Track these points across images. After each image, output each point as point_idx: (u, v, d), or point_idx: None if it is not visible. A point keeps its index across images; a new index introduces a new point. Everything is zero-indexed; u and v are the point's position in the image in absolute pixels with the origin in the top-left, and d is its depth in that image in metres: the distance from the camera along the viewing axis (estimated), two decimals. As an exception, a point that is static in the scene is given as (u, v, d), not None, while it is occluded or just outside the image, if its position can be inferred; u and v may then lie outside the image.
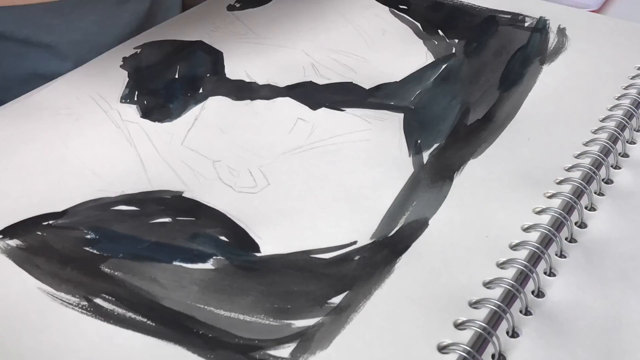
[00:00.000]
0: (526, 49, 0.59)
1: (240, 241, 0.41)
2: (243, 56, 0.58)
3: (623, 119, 0.50)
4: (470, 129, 0.50)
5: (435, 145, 0.49)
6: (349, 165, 0.47)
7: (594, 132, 0.50)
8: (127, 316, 0.37)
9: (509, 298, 0.38)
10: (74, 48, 0.64)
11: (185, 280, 0.39)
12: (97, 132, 0.50)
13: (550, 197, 0.44)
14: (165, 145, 0.49)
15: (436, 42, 0.60)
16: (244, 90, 0.54)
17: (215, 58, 0.58)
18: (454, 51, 0.59)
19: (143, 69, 0.56)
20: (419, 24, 0.63)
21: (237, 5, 0.66)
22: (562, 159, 0.48)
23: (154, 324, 0.37)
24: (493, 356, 0.36)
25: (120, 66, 0.57)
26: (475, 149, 0.48)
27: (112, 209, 0.43)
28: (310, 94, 0.54)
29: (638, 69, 0.57)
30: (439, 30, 0.62)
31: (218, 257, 0.40)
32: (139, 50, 0.58)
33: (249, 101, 0.53)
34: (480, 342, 0.36)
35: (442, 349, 0.36)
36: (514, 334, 0.37)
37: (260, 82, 0.55)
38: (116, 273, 0.39)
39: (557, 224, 0.42)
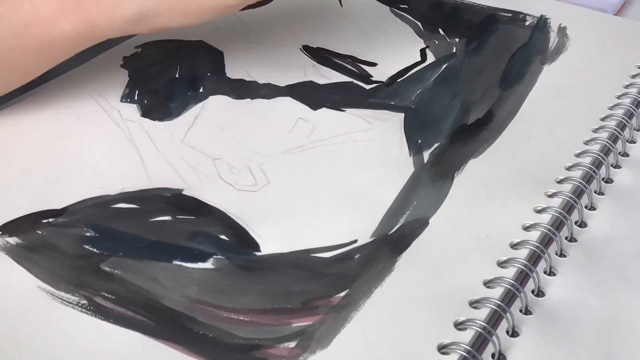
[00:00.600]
0: (527, 48, 0.59)
1: (241, 240, 0.41)
2: (243, 56, 0.58)
3: (623, 118, 0.50)
4: (471, 128, 0.50)
5: (436, 145, 0.49)
6: (349, 164, 0.47)
7: (595, 131, 0.50)
8: (127, 315, 0.37)
9: (509, 297, 0.38)
10: None
11: (186, 279, 0.39)
12: (97, 131, 0.50)
13: (550, 196, 0.44)
14: (166, 143, 0.49)
15: (437, 42, 0.60)
16: (245, 90, 0.54)
17: (216, 57, 0.58)
18: (454, 50, 0.59)
19: (143, 68, 0.56)
20: (419, 23, 0.63)
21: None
22: (563, 158, 0.47)
23: (154, 323, 0.37)
24: (493, 355, 0.36)
25: (121, 65, 0.57)
26: (476, 149, 0.48)
27: (112, 206, 0.43)
28: (311, 94, 0.54)
29: (639, 68, 0.57)
30: (440, 29, 0.62)
31: (218, 257, 0.40)
32: (139, 50, 0.58)
33: (249, 100, 0.53)
34: (480, 342, 0.36)
35: (442, 348, 0.36)
36: (514, 333, 0.37)
37: (261, 81, 0.55)
38: (116, 272, 0.39)
39: (558, 223, 0.42)
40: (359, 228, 0.42)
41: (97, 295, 0.38)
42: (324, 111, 0.52)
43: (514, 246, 0.41)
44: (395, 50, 0.59)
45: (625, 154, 0.49)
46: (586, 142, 0.49)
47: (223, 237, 0.42)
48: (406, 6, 0.65)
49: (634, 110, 0.51)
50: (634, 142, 0.50)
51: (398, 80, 0.56)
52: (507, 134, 0.50)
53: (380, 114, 0.52)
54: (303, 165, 0.47)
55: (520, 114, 0.52)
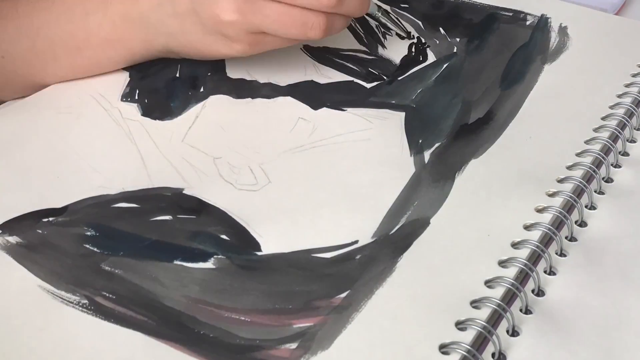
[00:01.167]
0: (528, 48, 0.59)
1: (241, 240, 0.41)
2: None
3: (623, 117, 0.50)
4: (472, 127, 0.50)
5: (437, 145, 0.49)
6: (350, 164, 0.47)
7: (595, 131, 0.50)
8: (128, 315, 0.37)
9: (509, 297, 0.38)
10: None
11: (186, 279, 0.39)
12: (97, 130, 0.50)
13: (551, 195, 0.44)
14: (166, 142, 0.49)
15: (437, 41, 0.60)
16: (245, 89, 0.54)
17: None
18: (455, 50, 0.59)
19: (144, 67, 0.56)
20: (420, 22, 0.63)
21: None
22: (564, 157, 0.47)
23: (154, 323, 0.37)
24: (493, 355, 0.36)
25: (121, 64, 0.57)
26: (477, 148, 0.48)
27: (113, 206, 0.43)
28: (311, 94, 0.54)
29: (639, 67, 0.57)
30: (441, 28, 0.62)
31: (219, 256, 0.40)
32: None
33: (250, 100, 0.53)
34: (480, 341, 0.36)
35: (443, 348, 0.36)
36: (514, 332, 0.37)
37: (261, 80, 0.55)
38: (117, 271, 0.39)
39: (558, 223, 0.42)
40: (359, 228, 0.42)
41: (97, 294, 0.38)
42: (324, 111, 0.52)
43: (514, 245, 0.41)
44: (396, 49, 0.59)
45: (626, 154, 0.49)
46: (587, 142, 0.49)
47: (224, 236, 0.42)
48: (407, 5, 0.65)
49: (634, 109, 0.51)
50: (634, 142, 0.50)
51: (399, 79, 0.56)
52: (508, 134, 0.50)
53: (381, 113, 0.52)
54: (304, 164, 0.47)
55: (521, 114, 0.52)
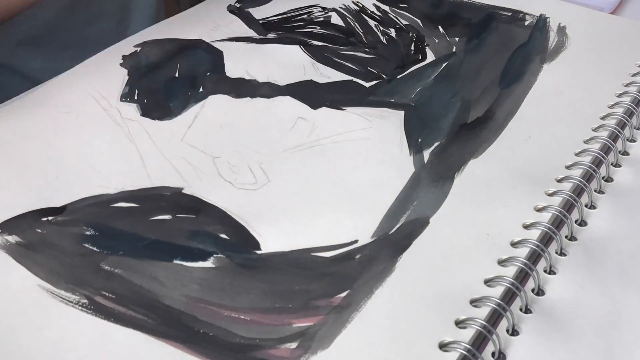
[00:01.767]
0: (527, 47, 0.59)
1: (241, 238, 0.41)
2: (243, 54, 0.58)
3: (623, 117, 0.50)
4: (471, 126, 0.50)
5: (436, 144, 0.49)
6: (349, 163, 0.47)
7: (595, 130, 0.50)
8: (128, 314, 0.37)
9: (509, 296, 0.38)
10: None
11: (186, 278, 0.39)
12: (96, 129, 0.50)
13: (550, 195, 0.44)
14: (165, 141, 0.49)
15: (436, 40, 0.60)
16: (244, 88, 0.54)
17: (216, 56, 0.58)
18: (454, 49, 0.59)
19: (143, 67, 0.56)
20: (419, 21, 0.63)
21: (238, 5, 0.66)
22: (563, 156, 0.48)
23: (154, 323, 0.37)
24: (493, 354, 0.36)
25: (120, 64, 0.57)
26: (476, 148, 0.48)
27: (112, 206, 0.43)
28: (311, 93, 0.54)
29: (639, 66, 0.57)
30: (440, 27, 0.62)
31: (218, 255, 0.40)
32: (139, 49, 0.58)
33: (249, 99, 0.53)
34: (480, 340, 0.36)
35: (443, 346, 0.36)
36: (514, 332, 0.37)
37: (261, 80, 0.55)
38: (116, 270, 0.39)
39: (558, 222, 0.42)
40: (359, 227, 0.42)
41: (97, 294, 0.38)
42: (323, 110, 0.52)
43: (514, 245, 0.41)
44: (395, 48, 0.59)
45: (626, 153, 0.49)
46: (586, 141, 0.49)
47: (223, 235, 0.42)
48: (406, 5, 0.65)
49: (634, 108, 0.51)
50: (634, 141, 0.50)
51: (398, 77, 0.56)
52: (507, 133, 0.50)
53: (380, 112, 0.52)
54: (303, 164, 0.47)
55: (520, 113, 0.52)
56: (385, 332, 0.36)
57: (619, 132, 0.49)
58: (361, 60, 0.58)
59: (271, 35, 0.61)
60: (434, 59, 0.58)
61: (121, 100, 0.52)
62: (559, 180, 0.45)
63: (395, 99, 0.53)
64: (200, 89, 0.54)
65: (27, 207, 0.43)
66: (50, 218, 0.42)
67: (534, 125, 0.51)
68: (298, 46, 0.59)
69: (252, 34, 0.61)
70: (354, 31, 0.62)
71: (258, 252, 0.41)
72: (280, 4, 0.65)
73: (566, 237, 0.42)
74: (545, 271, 0.40)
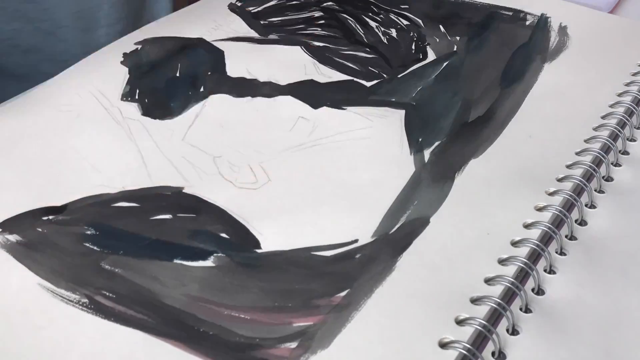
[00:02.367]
0: (528, 47, 0.59)
1: (241, 237, 0.42)
2: (244, 54, 0.58)
3: (623, 116, 0.50)
4: (472, 126, 0.50)
5: (437, 143, 0.49)
6: (350, 163, 0.47)
7: (595, 129, 0.50)
8: (128, 313, 0.37)
9: (509, 295, 0.38)
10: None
11: (186, 278, 0.39)
12: (97, 129, 0.50)
13: (551, 194, 0.44)
14: (166, 141, 0.49)
15: (437, 39, 0.60)
16: (245, 87, 0.54)
17: (216, 56, 0.58)
18: (455, 49, 0.59)
19: (144, 66, 0.56)
20: (420, 21, 0.63)
21: (239, 3, 0.66)
22: (564, 156, 0.48)
23: (154, 322, 0.37)
24: (493, 354, 0.36)
25: (121, 62, 0.57)
26: (477, 148, 0.48)
27: (113, 205, 0.43)
28: (311, 93, 0.54)
29: (639, 66, 0.57)
30: (441, 27, 0.62)
31: (219, 254, 0.40)
32: (139, 47, 0.58)
33: (249, 98, 0.53)
34: (480, 340, 0.36)
35: (443, 345, 0.36)
36: (514, 331, 0.37)
37: (261, 79, 0.55)
38: (117, 270, 0.39)
39: (558, 222, 0.42)
40: (359, 226, 0.42)
41: (97, 293, 0.38)
42: (324, 110, 0.52)
43: (514, 244, 0.41)
44: (396, 47, 0.59)
45: (626, 152, 0.49)
46: (587, 140, 0.49)
47: (224, 235, 0.42)
48: (407, 6, 0.65)
49: (634, 108, 0.51)
50: (634, 140, 0.50)
51: (399, 77, 0.56)
52: (508, 133, 0.50)
53: (381, 111, 0.52)
54: (304, 163, 0.47)
55: (520, 112, 0.52)
56: (385, 331, 0.36)
57: (619, 131, 0.49)
58: (362, 60, 0.58)
59: (272, 36, 0.61)
60: (435, 58, 0.58)
61: (122, 99, 0.52)
62: (560, 180, 0.45)
63: (396, 98, 0.53)
64: (201, 89, 0.54)
65: (28, 206, 0.43)
66: (50, 217, 0.42)
67: (535, 125, 0.51)
68: (299, 47, 0.59)
69: (253, 34, 0.61)
70: (355, 31, 0.62)
71: (258, 251, 0.41)
72: (281, 2, 0.65)
73: (566, 236, 0.42)
74: (545, 271, 0.40)
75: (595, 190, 0.45)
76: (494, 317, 0.37)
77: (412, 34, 0.61)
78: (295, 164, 0.47)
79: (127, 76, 0.55)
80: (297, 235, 0.42)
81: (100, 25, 0.63)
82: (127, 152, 0.48)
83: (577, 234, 0.43)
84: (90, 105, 0.52)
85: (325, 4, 0.65)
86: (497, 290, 0.38)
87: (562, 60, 0.58)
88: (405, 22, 0.63)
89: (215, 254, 0.40)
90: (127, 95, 0.53)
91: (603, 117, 0.51)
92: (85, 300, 0.38)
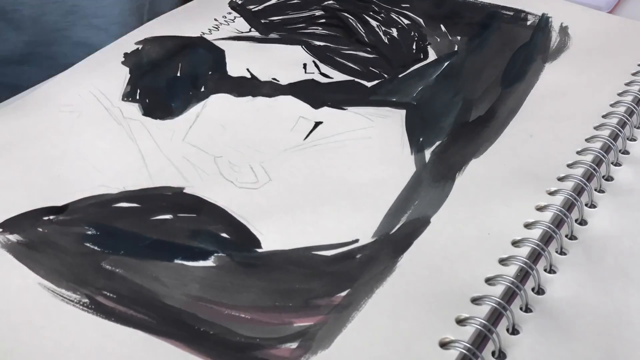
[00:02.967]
0: (529, 47, 0.59)
1: (242, 237, 0.42)
2: (244, 53, 0.58)
3: (624, 115, 0.50)
4: (472, 125, 0.50)
5: (438, 143, 0.49)
6: (350, 162, 0.47)
7: (596, 129, 0.50)
8: (129, 313, 0.37)
9: (509, 295, 0.38)
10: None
11: (187, 278, 0.39)
12: (98, 129, 0.50)
13: (551, 193, 0.44)
14: (167, 141, 0.49)
15: (438, 39, 0.60)
16: (246, 87, 0.54)
17: (217, 55, 0.58)
18: (456, 48, 0.59)
19: (144, 66, 0.56)
20: (421, 20, 0.63)
21: (239, 1, 0.66)
22: (564, 155, 0.48)
23: (154, 321, 0.37)
24: (493, 353, 0.36)
25: (122, 62, 0.57)
26: (477, 148, 0.48)
27: (113, 205, 0.43)
28: (312, 92, 0.54)
29: (639, 66, 0.57)
30: (442, 26, 0.62)
31: (219, 254, 0.40)
32: (140, 47, 0.58)
33: (250, 98, 0.53)
34: (480, 339, 0.36)
35: (444, 345, 0.36)
36: (514, 331, 0.37)
37: (262, 79, 0.55)
38: (117, 270, 0.39)
39: (558, 221, 0.42)
40: (360, 226, 0.42)
41: (98, 293, 0.38)
42: (325, 109, 0.52)
43: (515, 244, 0.41)
44: (397, 47, 0.59)
45: (626, 152, 0.49)
46: (587, 140, 0.49)
47: (224, 234, 0.42)
48: (408, 5, 0.65)
49: (634, 107, 0.51)
50: (635, 140, 0.50)
51: (400, 76, 0.56)
52: (509, 132, 0.50)
53: (382, 111, 0.52)
54: (304, 163, 0.47)
55: (521, 112, 0.52)
56: (385, 331, 0.36)
57: (620, 131, 0.49)
58: (363, 60, 0.58)
59: (273, 35, 0.61)
60: (436, 58, 0.58)
61: (123, 99, 0.53)
62: (560, 179, 0.45)
63: (397, 98, 0.53)
64: (202, 88, 0.54)
65: (29, 206, 0.43)
66: (51, 217, 0.42)
67: (536, 125, 0.51)
68: (300, 46, 0.59)
69: (254, 33, 0.61)
70: (355, 31, 0.62)
71: (259, 250, 0.41)
72: (281, 1, 0.66)
73: (566, 236, 0.42)
74: (545, 270, 0.40)
75: (595, 190, 0.45)
76: (494, 316, 0.37)
77: (413, 34, 0.61)
78: (296, 164, 0.47)
79: (128, 76, 0.55)
80: (297, 234, 0.42)
81: (144, 22, 0.64)
82: (128, 153, 0.48)
83: (578, 233, 0.43)
84: (91, 105, 0.52)
85: (326, 3, 0.66)
86: (497, 290, 0.38)
87: (563, 60, 0.58)
88: (406, 22, 0.63)
89: (215, 254, 0.40)
90: (128, 96, 0.53)
91: (604, 117, 0.51)
92: (86, 300, 0.38)
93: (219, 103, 0.53)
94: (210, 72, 0.56)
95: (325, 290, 0.38)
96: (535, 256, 0.40)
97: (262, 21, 0.63)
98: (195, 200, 0.44)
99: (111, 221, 0.42)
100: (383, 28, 0.62)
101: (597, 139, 0.49)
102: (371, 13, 0.64)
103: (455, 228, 0.42)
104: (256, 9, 0.65)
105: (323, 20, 0.63)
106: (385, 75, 0.56)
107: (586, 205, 0.44)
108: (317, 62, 0.57)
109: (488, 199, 0.44)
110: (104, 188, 0.45)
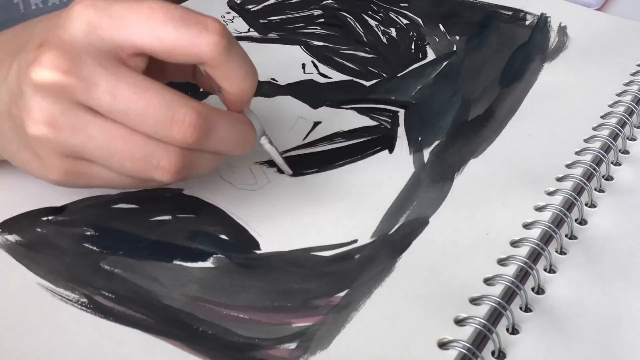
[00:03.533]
0: (527, 47, 0.59)
1: (241, 239, 0.41)
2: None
3: (623, 115, 0.50)
4: (471, 125, 0.50)
5: (436, 142, 0.49)
6: (349, 162, 0.47)
7: (595, 129, 0.50)
8: (127, 313, 0.37)
9: (509, 295, 0.38)
10: None
11: (186, 278, 0.39)
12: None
13: (550, 194, 0.44)
14: (166, 142, 0.48)
15: (437, 39, 0.60)
16: (245, 87, 0.54)
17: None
18: (455, 48, 0.59)
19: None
20: (420, 20, 0.63)
21: (238, 1, 0.66)
22: (563, 155, 0.47)
23: (153, 321, 0.37)
24: (493, 353, 0.36)
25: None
26: (476, 148, 0.48)
27: (112, 207, 0.43)
28: (311, 93, 0.54)
29: (638, 66, 0.57)
30: (440, 26, 0.62)
31: (218, 256, 0.40)
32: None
33: (249, 98, 0.53)
34: (480, 339, 0.36)
35: (443, 345, 0.36)
36: (514, 330, 0.37)
37: (261, 79, 0.55)
38: (116, 270, 0.39)
39: (558, 221, 0.42)
40: (359, 227, 0.42)
41: (97, 293, 0.38)
42: (324, 109, 0.52)
43: (514, 244, 0.41)
44: (396, 47, 0.59)
45: (626, 152, 0.49)
46: (586, 140, 0.49)
47: (223, 236, 0.42)
48: (407, 5, 0.65)
49: (634, 107, 0.51)
50: (634, 140, 0.50)
51: (398, 76, 0.56)
52: (507, 132, 0.50)
53: (380, 111, 0.52)
54: (303, 163, 0.47)
55: (520, 112, 0.52)
56: (384, 332, 0.36)
57: (619, 130, 0.49)
58: (361, 60, 0.58)
59: (272, 35, 0.61)
60: (435, 57, 0.58)
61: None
62: (559, 179, 0.45)
63: (396, 97, 0.53)
64: (200, 89, 0.54)
65: (28, 207, 0.43)
66: (50, 218, 0.42)
67: (534, 124, 0.51)
68: (298, 46, 0.59)
69: (252, 33, 0.61)
70: (354, 30, 0.62)
71: (257, 251, 0.41)
72: (281, 1, 0.65)
73: (566, 236, 0.42)
74: (545, 270, 0.40)
75: (595, 190, 0.45)
76: (494, 316, 0.37)
77: (411, 34, 0.61)
78: (295, 164, 0.47)
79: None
80: (296, 235, 0.42)
81: None
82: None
83: (577, 233, 0.43)
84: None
85: (324, 3, 0.65)
86: (497, 289, 0.38)
87: (561, 60, 0.58)
88: (405, 21, 0.63)
89: (214, 255, 0.40)
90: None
91: (602, 117, 0.51)
92: (85, 300, 0.38)
93: (217, 103, 0.52)
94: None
95: (323, 290, 0.38)
96: (535, 256, 0.40)
97: (261, 21, 0.63)
98: (194, 202, 0.44)
99: (110, 222, 0.42)
100: (382, 28, 0.62)
101: (596, 138, 0.49)
102: (370, 13, 0.64)
103: (453, 228, 0.42)
104: (255, 8, 0.65)
105: (322, 20, 0.63)
106: (384, 75, 0.56)
107: (586, 205, 0.44)
108: (316, 62, 0.57)
109: (486, 200, 0.44)
110: (103, 189, 0.44)
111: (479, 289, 0.38)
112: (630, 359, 0.36)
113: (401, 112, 0.52)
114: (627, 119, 0.50)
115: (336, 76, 0.56)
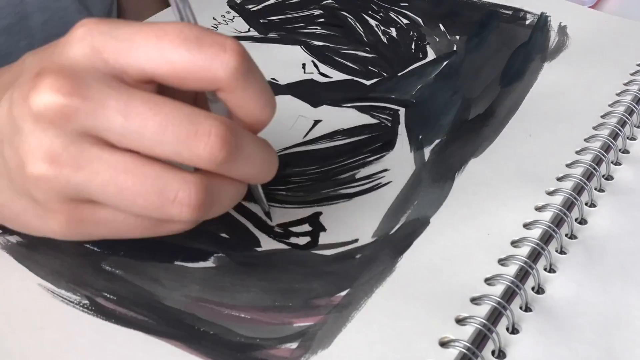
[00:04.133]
0: (527, 46, 0.59)
1: (241, 237, 0.42)
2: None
3: (623, 115, 0.50)
4: (472, 124, 0.50)
5: (437, 141, 0.49)
6: (350, 161, 0.47)
7: (595, 128, 0.50)
8: (129, 314, 0.37)
9: (509, 294, 0.38)
10: None
11: (186, 279, 0.39)
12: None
13: (551, 193, 0.44)
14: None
15: (437, 39, 0.60)
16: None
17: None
18: (455, 48, 0.59)
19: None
20: (420, 19, 0.63)
21: (238, 1, 0.66)
22: (563, 155, 0.48)
23: (154, 322, 0.37)
24: (493, 352, 0.36)
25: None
26: (477, 147, 0.48)
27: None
28: (311, 92, 0.54)
29: (638, 66, 0.57)
30: (440, 26, 0.62)
31: (219, 255, 0.40)
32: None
33: (249, 98, 0.53)
34: (480, 339, 0.36)
35: (443, 344, 0.36)
36: (514, 330, 0.37)
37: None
38: (117, 271, 0.39)
39: (558, 221, 0.42)
40: (359, 226, 0.42)
41: (98, 294, 0.38)
42: (324, 108, 0.52)
43: (514, 244, 0.41)
44: (396, 47, 0.59)
45: (626, 151, 0.49)
46: (586, 139, 0.49)
47: (224, 235, 0.42)
48: (407, 4, 0.65)
49: (634, 107, 0.51)
50: (635, 139, 0.50)
51: (399, 75, 0.56)
52: (508, 132, 0.50)
53: (380, 110, 0.52)
54: (303, 162, 0.47)
55: (520, 112, 0.52)
56: (385, 331, 0.36)
57: (619, 130, 0.49)
58: (362, 59, 0.58)
59: (272, 35, 0.61)
60: (435, 57, 0.58)
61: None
62: (559, 179, 0.46)
63: (396, 96, 0.53)
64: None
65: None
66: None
67: (535, 124, 0.51)
68: (298, 46, 0.59)
69: (252, 33, 0.61)
70: (354, 30, 0.62)
71: (258, 250, 0.41)
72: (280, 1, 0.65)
73: (566, 235, 0.42)
74: (545, 270, 0.40)
75: (595, 189, 0.45)
76: (494, 316, 0.37)
77: (412, 33, 0.61)
78: (295, 163, 0.47)
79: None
80: (297, 234, 0.42)
81: None
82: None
83: (578, 233, 0.43)
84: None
85: (324, 2, 0.65)
86: (497, 289, 0.38)
87: (561, 59, 0.58)
88: (405, 21, 0.63)
89: (215, 254, 0.40)
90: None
91: (603, 116, 0.51)
92: (86, 301, 0.38)
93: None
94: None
95: (325, 290, 0.38)
96: (535, 255, 0.40)
97: (261, 21, 0.63)
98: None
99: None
100: (382, 27, 0.62)
101: (596, 138, 0.49)
102: (370, 12, 0.64)
103: (454, 228, 0.42)
104: (255, 8, 0.65)
105: (322, 20, 0.63)
106: (385, 74, 0.56)
107: (586, 204, 0.44)
108: (316, 61, 0.57)
109: (487, 199, 0.44)
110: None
111: (479, 289, 0.38)
112: (630, 359, 0.36)
113: (402, 110, 0.52)
114: (627, 118, 0.50)
115: (336, 76, 0.56)
